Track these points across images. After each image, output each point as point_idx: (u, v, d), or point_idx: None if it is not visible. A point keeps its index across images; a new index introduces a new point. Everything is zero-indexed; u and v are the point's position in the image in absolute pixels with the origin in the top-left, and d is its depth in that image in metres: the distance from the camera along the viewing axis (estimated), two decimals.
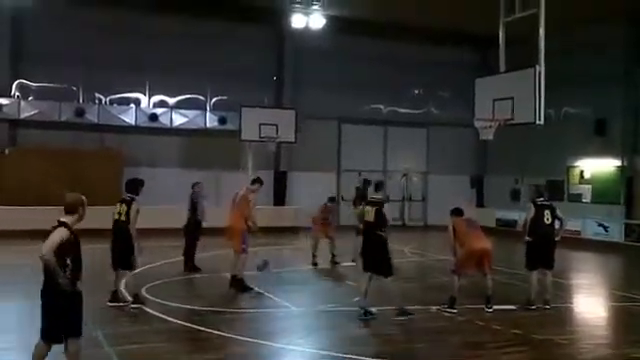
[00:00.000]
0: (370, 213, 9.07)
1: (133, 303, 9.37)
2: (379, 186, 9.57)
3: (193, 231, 12.80)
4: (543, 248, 9.93)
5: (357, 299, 10.30)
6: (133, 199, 9.46)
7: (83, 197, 5.77)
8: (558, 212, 10.15)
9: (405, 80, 24.47)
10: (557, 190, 22.66)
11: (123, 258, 9.31)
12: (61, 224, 5.55)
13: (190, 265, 12.70)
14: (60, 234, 5.47)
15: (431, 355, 7.53)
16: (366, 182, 11.25)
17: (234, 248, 10.92)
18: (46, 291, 5.54)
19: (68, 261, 5.50)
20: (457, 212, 10.01)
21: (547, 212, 9.96)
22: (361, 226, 9.65)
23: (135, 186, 9.69)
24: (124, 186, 9.81)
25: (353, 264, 14.06)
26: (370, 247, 9.10)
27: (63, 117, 20.18)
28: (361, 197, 14.58)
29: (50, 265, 5.38)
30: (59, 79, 20.28)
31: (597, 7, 18.85)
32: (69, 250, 5.51)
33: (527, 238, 9.96)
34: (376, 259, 9.02)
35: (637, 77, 20.44)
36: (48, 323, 5.61)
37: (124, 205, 9.41)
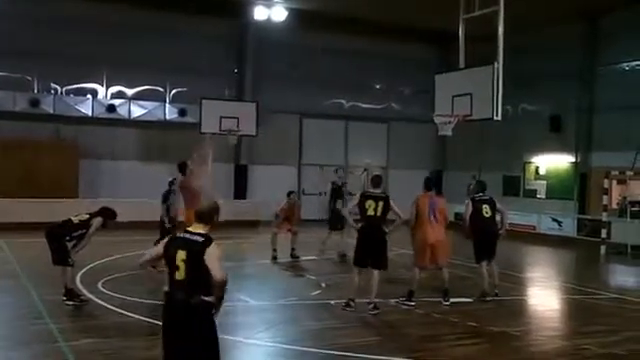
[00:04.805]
0: (374, 207, 9.06)
1: (64, 295, 8.98)
2: (377, 180, 9.54)
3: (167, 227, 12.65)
4: (486, 241, 10.19)
5: (317, 292, 10.36)
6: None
7: (217, 205, 4.95)
8: (499, 206, 10.42)
9: (367, 75, 24.59)
10: (513, 186, 23.20)
11: (58, 254, 9.01)
12: (210, 238, 4.67)
13: None
14: (220, 250, 4.64)
15: (389, 348, 7.60)
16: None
17: None
18: (203, 317, 4.64)
19: None
20: (425, 184, 9.96)
21: (485, 206, 10.20)
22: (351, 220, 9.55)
23: None
24: None
25: (316, 258, 14.12)
26: (374, 241, 9.09)
27: (17, 107, 19.61)
28: (337, 192, 14.68)
29: (224, 286, 4.58)
30: (13, 68, 19.71)
31: (554, 7, 19.26)
32: None
33: (467, 233, 10.26)
34: (379, 253, 9.08)
35: (591, 75, 20.98)
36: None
37: None
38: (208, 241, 4.64)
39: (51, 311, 8.51)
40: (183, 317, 4.65)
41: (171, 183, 12.95)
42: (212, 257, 4.57)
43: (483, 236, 10.15)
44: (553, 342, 8.03)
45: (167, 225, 12.54)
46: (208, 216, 4.85)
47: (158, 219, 12.51)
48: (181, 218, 11.43)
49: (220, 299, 4.68)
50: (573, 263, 16.92)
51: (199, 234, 4.71)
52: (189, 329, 4.63)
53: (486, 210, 10.19)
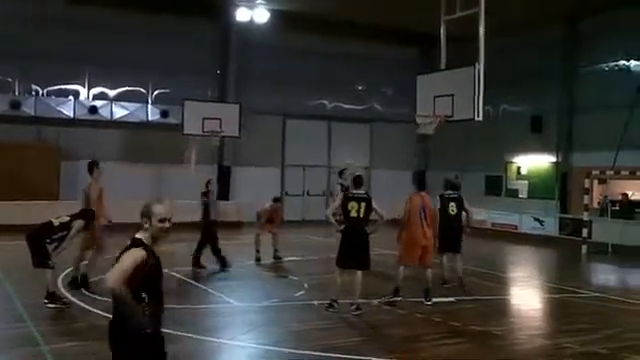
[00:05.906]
0: (356, 209, 9.08)
1: (46, 298, 8.87)
2: (359, 180, 9.54)
3: (212, 229, 12.81)
4: (449, 235, 10.82)
5: (301, 293, 10.36)
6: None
7: (151, 203, 4.19)
8: (465, 204, 11.11)
9: (349, 76, 24.65)
10: (495, 185, 23.38)
11: (39, 257, 8.91)
12: (135, 242, 4.10)
13: (222, 260, 12.64)
14: (133, 256, 4.00)
15: (372, 348, 7.62)
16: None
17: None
18: (116, 335, 4.09)
19: (144, 294, 4.00)
20: (418, 184, 10.25)
21: (452, 204, 10.96)
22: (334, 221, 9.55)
23: None
24: None
25: (299, 258, 14.11)
26: (357, 243, 9.08)
27: None
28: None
29: (121, 299, 3.90)
30: None
31: (534, 8, 19.43)
32: (147, 278, 4.03)
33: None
34: (362, 254, 9.08)
35: (571, 76, 21.20)
36: None
37: None
38: (129, 246, 4.11)
39: (32, 314, 8.43)
40: (110, 329, 4.19)
41: (207, 184, 12.98)
42: (121, 260, 4.02)
43: (446, 231, 10.69)
44: (534, 341, 8.11)
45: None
46: (142, 219, 4.20)
47: (198, 220, 12.88)
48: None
49: (129, 311, 3.97)
50: (555, 262, 17.07)
51: (132, 239, 4.18)
52: (112, 343, 4.16)
53: (452, 208, 10.91)
